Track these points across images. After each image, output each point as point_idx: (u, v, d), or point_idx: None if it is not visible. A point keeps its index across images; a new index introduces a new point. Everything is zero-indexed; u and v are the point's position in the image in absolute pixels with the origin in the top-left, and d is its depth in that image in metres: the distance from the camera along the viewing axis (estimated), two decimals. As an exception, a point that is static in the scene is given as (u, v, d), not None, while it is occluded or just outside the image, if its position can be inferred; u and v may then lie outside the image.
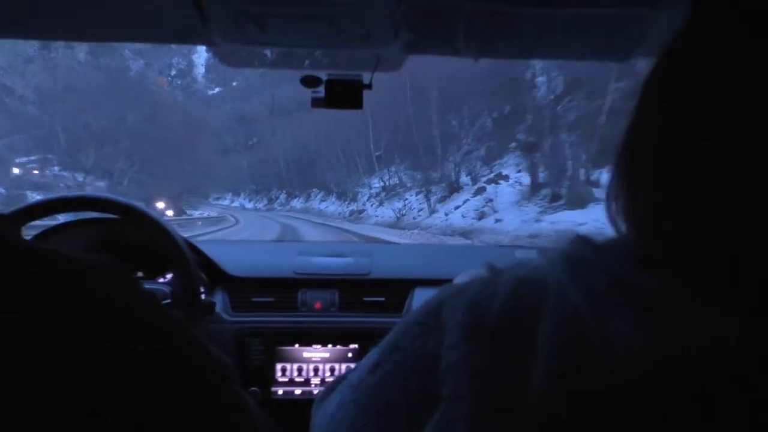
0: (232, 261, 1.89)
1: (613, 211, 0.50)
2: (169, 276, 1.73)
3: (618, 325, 0.41)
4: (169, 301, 1.53)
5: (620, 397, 0.40)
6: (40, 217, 1.46)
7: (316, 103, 1.26)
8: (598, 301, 0.43)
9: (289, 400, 1.75)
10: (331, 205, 45.61)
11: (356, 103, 1.26)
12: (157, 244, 1.51)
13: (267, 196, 67.68)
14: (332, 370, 1.78)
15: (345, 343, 1.79)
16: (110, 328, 0.40)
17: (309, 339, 1.79)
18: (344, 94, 1.24)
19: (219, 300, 1.80)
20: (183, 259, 1.50)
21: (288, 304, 1.83)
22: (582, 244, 0.50)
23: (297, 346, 1.78)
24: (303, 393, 1.76)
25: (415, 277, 1.89)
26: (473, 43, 1.04)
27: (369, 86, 1.25)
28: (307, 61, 1.21)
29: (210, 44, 1.04)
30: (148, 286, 1.52)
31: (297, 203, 56.26)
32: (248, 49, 1.14)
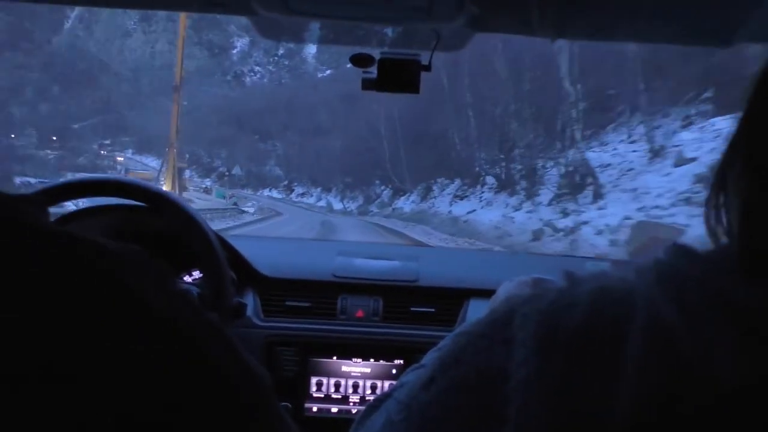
0: (266, 259, 1.93)
1: (713, 220, 0.51)
2: (196, 273, 1.78)
3: (715, 345, 0.42)
4: None
5: (716, 423, 0.41)
6: (64, 200, 1.51)
7: (367, 84, 1.27)
8: (694, 317, 0.44)
9: (324, 418, 1.79)
10: (488, 210, 25.79)
11: (413, 86, 1.26)
12: (185, 238, 1.55)
13: (365, 192, 56.40)
14: (374, 387, 1.80)
15: (389, 358, 1.82)
16: (133, 329, 0.41)
17: (348, 351, 1.82)
18: (399, 76, 1.25)
19: (249, 302, 1.84)
20: (213, 255, 1.53)
21: (326, 310, 1.87)
22: (678, 254, 0.50)
23: (335, 358, 1.82)
24: (340, 411, 1.80)
25: (470, 287, 1.90)
26: (549, 21, 1.02)
27: (428, 67, 1.25)
28: (358, 38, 1.25)
29: (251, 13, 1.06)
30: None
31: (406, 203, 41.00)
32: (292, 21, 1.17)
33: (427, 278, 1.93)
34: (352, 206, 56.20)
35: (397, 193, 45.79)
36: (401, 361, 1.81)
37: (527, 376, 0.48)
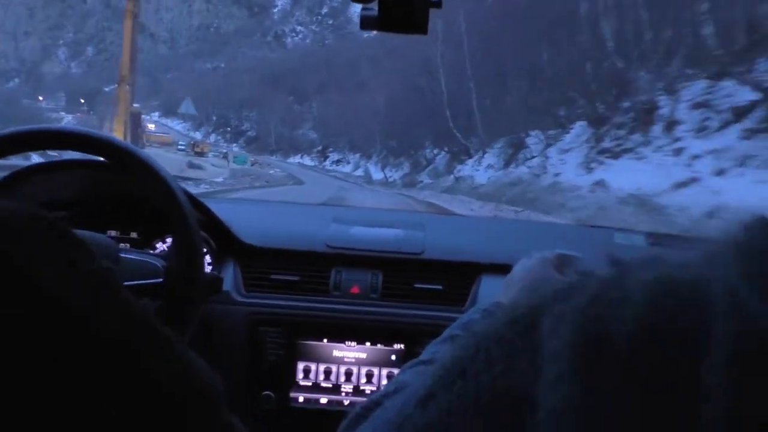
0: (249, 225, 1.83)
1: None
2: (169, 241, 1.72)
3: None
4: (160, 279, 1.41)
5: None
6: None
7: (367, 23, 1.19)
8: None
9: (312, 410, 1.71)
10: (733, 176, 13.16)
11: (419, 26, 1.18)
12: (152, 199, 1.45)
13: (412, 158, 44.77)
14: (369, 375, 1.72)
15: (388, 342, 1.73)
16: (24, 324, 0.36)
17: (341, 333, 1.74)
18: (404, 13, 1.17)
19: (228, 275, 1.76)
20: (182, 218, 1.39)
21: (317, 285, 1.78)
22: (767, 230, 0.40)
23: (325, 341, 1.73)
24: (330, 402, 1.72)
25: (483, 261, 1.80)
26: None
27: (437, 4, 1.19)
28: None
29: None
30: (134, 256, 1.43)
31: (477, 171, 28.11)
32: None
33: (434, 250, 1.83)
34: (395, 175, 46.05)
35: (457, 156, 33.39)
36: (402, 346, 1.72)
37: (563, 402, 0.37)
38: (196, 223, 1.41)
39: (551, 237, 2.16)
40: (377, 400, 0.62)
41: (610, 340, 0.37)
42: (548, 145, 23.03)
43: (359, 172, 57.04)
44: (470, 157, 31.20)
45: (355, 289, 1.77)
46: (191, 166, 37.26)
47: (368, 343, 1.74)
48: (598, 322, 0.38)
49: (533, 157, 23.33)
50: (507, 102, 27.65)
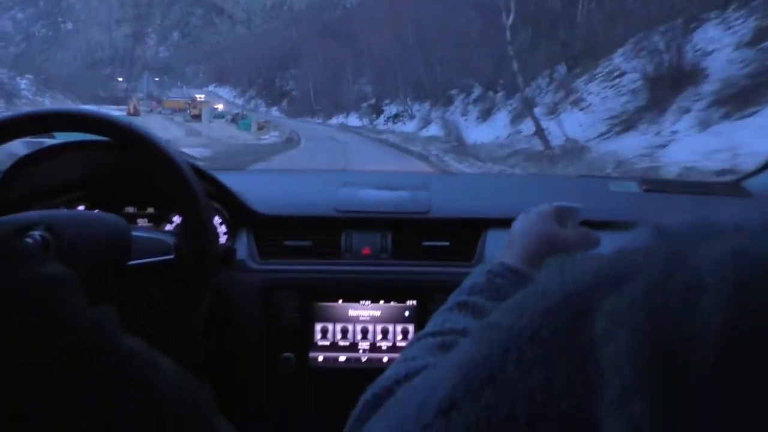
0: (260, 195, 1.84)
1: None
2: (176, 219, 1.72)
3: None
4: (171, 256, 1.35)
5: None
6: None
7: None
8: None
9: (331, 368, 1.72)
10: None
11: None
12: (158, 175, 1.42)
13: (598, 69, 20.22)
14: (384, 332, 1.74)
15: (400, 299, 1.75)
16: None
17: (355, 293, 1.75)
18: None
19: (243, 245, 1.77)
20: (188, 195, 1.31)
21: (329, 249, 1.79)
22: None
23: (341, 302, 1.75)
24: (348, 360, 1.73)
25: (487, 216, 1.81)
26: None
27: None
28: None
29: None
30: (146, 234, 1.35)
31: None
32: None
33: (440, 208, 1.85)
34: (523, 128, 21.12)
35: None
36: (414, 302, 1.74)
37: (635, 428, 0.28)
38: (204, 198, 1.34)
39: (549, 189, 2.16)
40: (389, 387, 0.54)
41: (689, 344, 0.27)
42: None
43: (432, 131, 30.30)
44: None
45: (366, 251, 1.78)
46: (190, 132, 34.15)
47: (382, 301, 1.74)
48: (668, 320, 0.29)
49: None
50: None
